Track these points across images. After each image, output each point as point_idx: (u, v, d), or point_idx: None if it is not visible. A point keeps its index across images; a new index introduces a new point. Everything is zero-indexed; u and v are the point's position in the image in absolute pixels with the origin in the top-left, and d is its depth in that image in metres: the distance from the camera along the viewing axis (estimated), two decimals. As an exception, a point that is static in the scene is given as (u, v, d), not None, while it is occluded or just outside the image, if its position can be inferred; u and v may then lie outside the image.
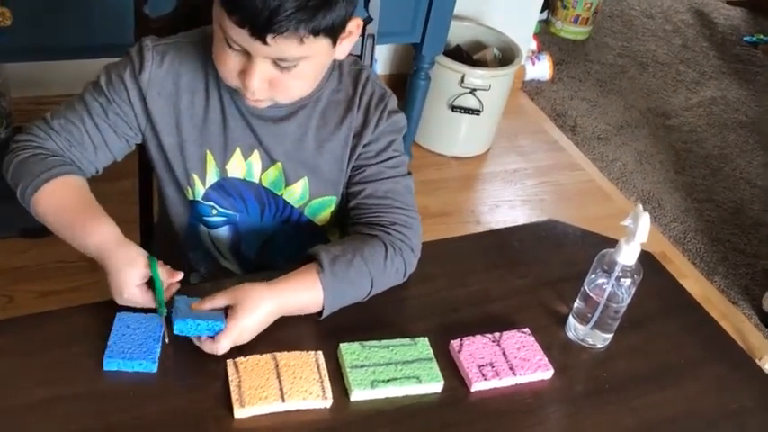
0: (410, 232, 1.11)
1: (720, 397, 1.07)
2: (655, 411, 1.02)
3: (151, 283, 0.98)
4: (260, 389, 0.92)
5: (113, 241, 1.00)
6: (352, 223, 1.14)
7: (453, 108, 2.69)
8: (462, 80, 2.63)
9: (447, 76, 2.64)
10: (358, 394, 0.95)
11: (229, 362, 0.95)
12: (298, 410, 0.93)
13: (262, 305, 0.98)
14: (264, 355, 0.96)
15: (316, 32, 0.94)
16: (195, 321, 0.94)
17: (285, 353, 0.97)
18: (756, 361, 1.19)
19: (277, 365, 0.96)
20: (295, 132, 1.12)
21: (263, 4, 0.90)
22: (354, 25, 1.01)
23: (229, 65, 1.00)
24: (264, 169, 1.14)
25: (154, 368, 0.93)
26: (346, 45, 1.03)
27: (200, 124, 1.10)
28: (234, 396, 0.91)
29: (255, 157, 1.13)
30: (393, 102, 1.15)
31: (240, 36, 0.94)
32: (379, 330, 1.03)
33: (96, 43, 1.85)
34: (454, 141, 2.80)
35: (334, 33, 0.98)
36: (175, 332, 0.94)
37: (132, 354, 0.92)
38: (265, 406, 0.91)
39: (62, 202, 1.05)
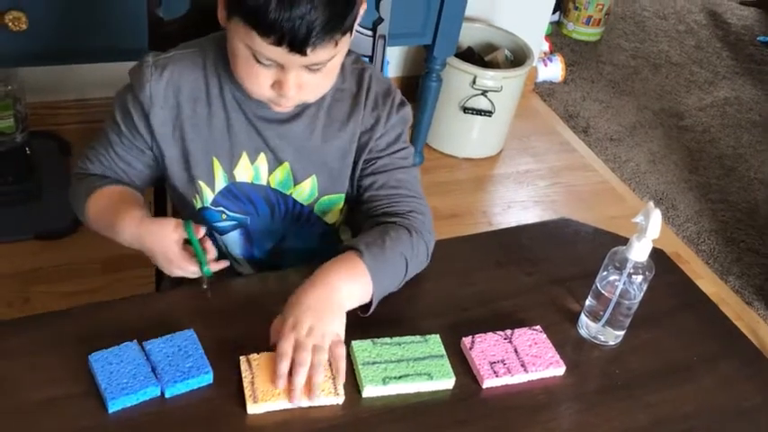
0: (425, 218, 1.13)
1: (733, 393, 1.06)
2: (667, 408, 1.02)
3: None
4: (273, 385, 0.93)
5: (142, 220, 1.06)
6: (368, 216, 1.15)
7: (465, 109, 2.69)
8: (474, 82, 2.63)
9: (458, 78, 2.64)
10: (370, 391, 0.96)
11: (242, 358, 0.96)
12: (310, 407, 0.93)
13: (305, 292, 0.99)
14: None
15: (345, 32, 0.98)
16: (185, 382, 0.92)
17: None
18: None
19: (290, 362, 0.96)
20: (302, 132, 1.13)
21: (299, 21, 0.91)
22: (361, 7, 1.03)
23: (261, 80, 1.01)
24: (271, 171, 1.15)
25: (158, 391, 0.92)
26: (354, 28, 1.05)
27: (205, 132, 1.11)
28: (247, 392, 0.92)
29: (262, 160, 1.14)
30: (398, 94, 1.17)
31: (276, 54, 0.96)
32: (391, 328, 1.03)
33: (110, 47, 1.87)
34: (466, 143, 2.80)
35: (353, 24, 1.00)
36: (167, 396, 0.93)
37: (133, 387, 0.90)
38: (279, 402, 0.92)
39: (100, 209, 1.11)
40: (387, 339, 1.01)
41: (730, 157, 3.14)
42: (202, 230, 1.04)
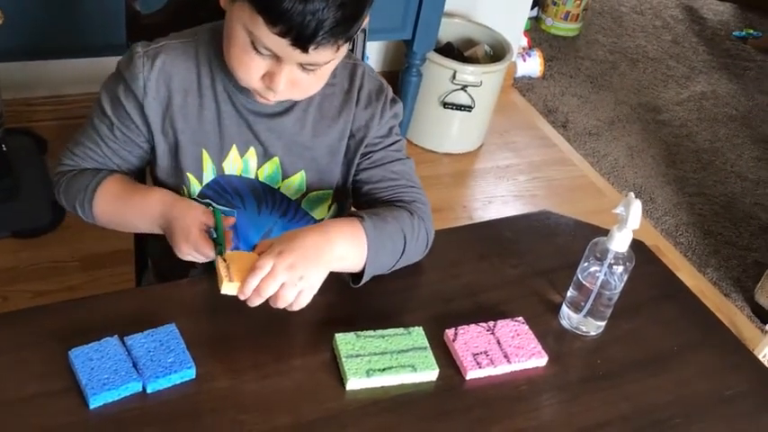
0: (427, 208, 1.15)
1: (714, 382, 1.07)
2: (648, 397, 1.03)
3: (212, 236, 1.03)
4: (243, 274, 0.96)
5: (172, 199, 1.07)
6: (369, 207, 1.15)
7: (445, 105, 2.69)
8: (454, 77, 2.63)
9: (438, 73, 2.64)
10: (354, 383, 0.96)
11: (218, 258, 0.99)
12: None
13: (303, 233, 0.99)
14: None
15: (348, 39, 0.98)
16: (167, 377, 0.92)
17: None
18: (749, 350, 1.20)
19: None
20: (293, 126, 1.13)
21: (310, 16, 0.91)
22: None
23: (253, 68, 1.00)
24: (261, 164, 1.14)
25: (140, 386, 0.91)
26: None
27: (195, 123, 1.10)
28: (223, 273, 0.96)
29: (252, 153, 1.13)
30: (390, 91, 1.17)
31: (277, 45, 0.95)
32: (374, 322, 1.03)
33: (89, 42, 1.86)
34: (446, 138, 2.81)
35: (355, 33, 1.00)
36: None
37: (114, 383, 0.89)
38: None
39: (115, 197, 1.10)
40: (370, 332, 1.01)
41: (707, 150, 3.17)
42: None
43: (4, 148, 2.19)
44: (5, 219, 2.11)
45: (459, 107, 2.69)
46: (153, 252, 1.40)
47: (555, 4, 3.74)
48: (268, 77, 1.00)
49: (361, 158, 1.16)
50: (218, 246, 1.01)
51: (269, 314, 1.00)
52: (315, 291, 0.98)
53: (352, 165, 1.16)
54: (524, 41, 3.41)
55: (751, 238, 2.74)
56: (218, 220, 1.02)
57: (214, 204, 1.15)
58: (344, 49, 1.01)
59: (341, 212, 1.24)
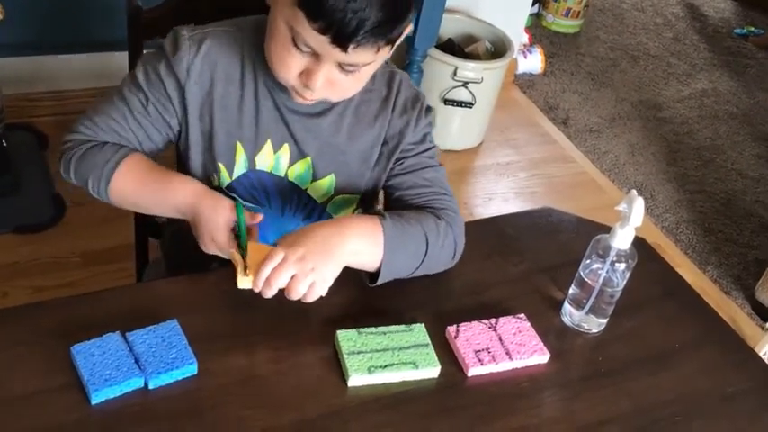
0: (457, 217, 1.13)
1: (716, 380, 1.07)
2: (650, 395, 1.03)
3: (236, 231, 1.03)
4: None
5: (201, 192, 1.05)
6: None
7: (446, 101, 2.69)
8: (455, 73, 2.63)
9: (439, 70, 2.64)
10: (355, 380, 0.95)
11: (232, 250, 1.00)
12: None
13: (318, 226, 0.99)
14: None
15: (389, 42, 0.97)
16: (169, 373, 0.91)
17: None
18: (750, 347, 1.20)
19: None
20: (329, 128, 1.12)
21: (352, 14, 0.90)
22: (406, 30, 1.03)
23: (292, 65, 0.99)
24: (292, 163, 1.14)
25: (142, 382, 0.90)
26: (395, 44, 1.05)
27: (233, 114, 1.10)
28: (239, 268, 0.97)
29: (285, 151, 1.13)
30: (426, 100, 1.18)
31: (317, 41, 0.94)
32: (376, 318, 1.03)
33: (90, 38, 1.86)
34: (447, 134, 2.81)
35: (397, 38, 1.00)
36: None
37: (117, 378, 0.89)
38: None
39: (138, 178, 1.08)
40: (372, 329, 1.01)
41: (708, 148, 3.17)
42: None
43: (5, 144, 2.19)
44: (6, 214, 2.11)
45: (460, 104, 2.69)
46: (169, 248, 1.38)
47: (556, 0, 3.74)
48: (306, 75, 0.99)
49: (394, 164, 1.16)
50: (240, 242, 1.01)
51: (270, 310, 1.00)
52: (328, 283, 0.98)
53: (384, 171, 1.16)
54: (525, 38, 3.40)
55: (751, 235, 2.74)
56: (239, 216, 1.02)
57: (239, 199, 1.14)
58: (384, 53, 1.00)
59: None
